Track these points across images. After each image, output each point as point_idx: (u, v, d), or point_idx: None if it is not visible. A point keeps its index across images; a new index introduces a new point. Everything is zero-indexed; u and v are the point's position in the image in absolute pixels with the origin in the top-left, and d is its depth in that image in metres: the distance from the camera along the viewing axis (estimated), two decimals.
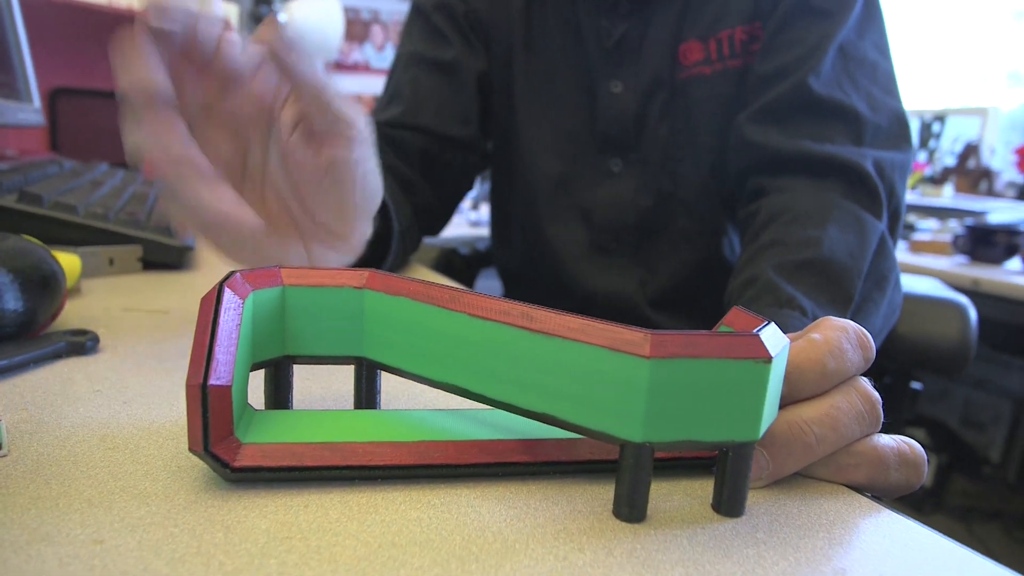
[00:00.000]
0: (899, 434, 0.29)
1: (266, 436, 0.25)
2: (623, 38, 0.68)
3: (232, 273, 0.26)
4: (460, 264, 1.09)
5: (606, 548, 0.21)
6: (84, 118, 1.05)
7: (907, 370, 0.80)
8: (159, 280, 0.54)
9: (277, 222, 0.37)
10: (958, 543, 0.24)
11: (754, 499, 0.25)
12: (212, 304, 0.24)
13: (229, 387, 0.23)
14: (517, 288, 0.89)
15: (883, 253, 0.53)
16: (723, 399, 0.21)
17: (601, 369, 0.21)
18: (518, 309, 0.23)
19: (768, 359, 0.21)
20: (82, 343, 0.35)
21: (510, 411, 0.24)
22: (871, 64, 0.61)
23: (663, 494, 0.25)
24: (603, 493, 0.25)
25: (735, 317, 0.27)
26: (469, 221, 1.46)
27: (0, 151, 0.99)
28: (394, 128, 0.69)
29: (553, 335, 0.22)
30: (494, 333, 0.24)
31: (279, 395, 0.30)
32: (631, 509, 0.22)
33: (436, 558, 0.20)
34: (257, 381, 0.30)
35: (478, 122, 0.74)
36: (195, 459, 0.25)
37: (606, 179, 0.72)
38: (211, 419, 0.23)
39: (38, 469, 0.24)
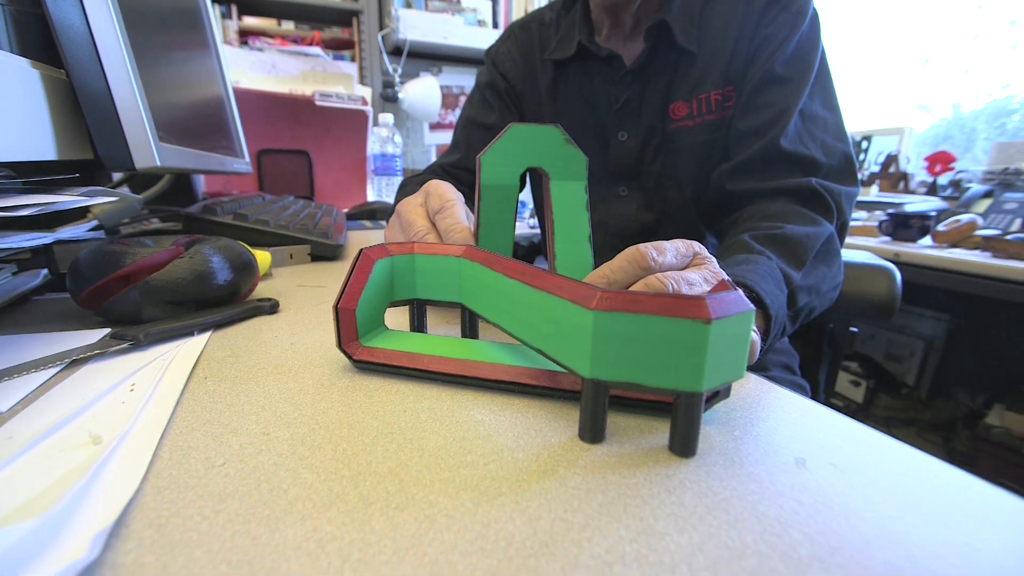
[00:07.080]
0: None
1: (382, 344, 0.26)
2: (627, 100, 0.63)
3: (364, 248, 0.27)
4: (522, 252, 1.09)
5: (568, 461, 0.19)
6: (279, 168, 1.09)
7: (848, 319, 0.72)
8: (321, 267, 0.54)
9: None
10: (889, 436, 0.20)
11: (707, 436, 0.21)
12: (352, 265, 0.26)
13: (352, 309, 0.25)
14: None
15: (831, 243, 0.46)
16: (667, 352, 0.17)
17: (565, 317, 0.18)
18: (529, 271, 0.21)
19: (708, 320, 0.16)
20: (266, 306, 0.35)
21: (523, 343, 0.22)
22: (823, 119, 0.53)
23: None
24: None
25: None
26: (529, 226, 1.44)
27: (227, 191, 1.03)
28: (455, 168, 0.70)
29: (541, 289, 0.20)
30: (515, 287, 0.22)
31: (414, 323, 0.30)
32: (592, 433, 0.19)
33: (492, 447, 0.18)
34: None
35: None
36: (334, 380, 0.24)
37: (616, 200, 0.67)
38: (342, 328, 0.25)
39: (232, 386, 0.23)
